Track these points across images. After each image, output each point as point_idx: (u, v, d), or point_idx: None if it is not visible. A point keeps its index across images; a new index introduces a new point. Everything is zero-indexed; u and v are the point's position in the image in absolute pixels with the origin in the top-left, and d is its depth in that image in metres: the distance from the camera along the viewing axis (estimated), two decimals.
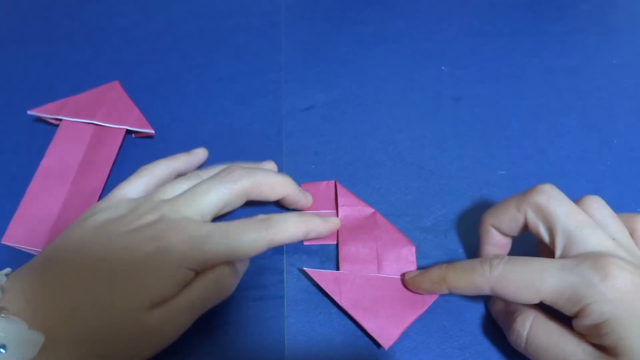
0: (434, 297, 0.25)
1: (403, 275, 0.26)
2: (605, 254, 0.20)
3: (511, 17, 0.41)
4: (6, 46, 0.40)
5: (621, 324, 0.19)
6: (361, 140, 0.33)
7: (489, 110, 0.35)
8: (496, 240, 0.25)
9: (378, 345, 0.25)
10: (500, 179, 0.31)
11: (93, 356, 0.20)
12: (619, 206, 0.30)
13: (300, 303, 0.26)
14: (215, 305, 0.24)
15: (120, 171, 0.32)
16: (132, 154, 0.33)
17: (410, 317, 0.25)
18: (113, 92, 0.35)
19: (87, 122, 0.33)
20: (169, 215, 0.23)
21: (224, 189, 0.24)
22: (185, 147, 0.33)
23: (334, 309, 0.26)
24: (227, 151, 0.33)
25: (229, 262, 0.24)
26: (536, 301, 0.21)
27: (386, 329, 0.24)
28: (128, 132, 0.33)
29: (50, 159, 0.31)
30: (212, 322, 0.25)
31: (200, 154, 0.30)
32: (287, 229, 0.24)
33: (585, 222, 0.21)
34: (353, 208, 0.29)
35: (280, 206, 0.29)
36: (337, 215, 0.28)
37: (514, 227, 0.24)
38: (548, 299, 0.20)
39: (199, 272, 0.23)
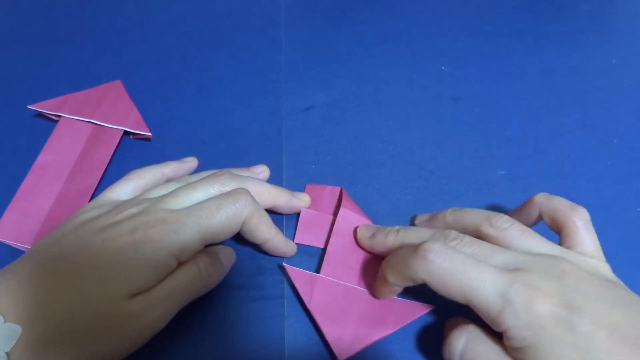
0: (404, 322, 0.25)
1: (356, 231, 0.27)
2: (530, 278, 0.20)
3: (511, 17, 0.41)
4: (6, 46, 0.40)
5: (541, 352, 0.19)
6: (361, 140, 0.33)
7: (489, 110, 0.35)
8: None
9: (333, 354, 0.24)
10: (500, 179, 0.31)
11: (74, 348, 0.20)
12: (619, 206, 0.30)
13: (301, 303, 0.26)
14: (200, 297, 0.24)
15: (118, 171, 0.32)
16: (132, 154, 0.33)
17: (374, 337, 0.24)
18: (114, 91, 0.35)
19: (85, 120, 0.33)
20: (150, 208, 0.23)
21: (211, 189, 0.25)
22: (185, 147, 0.33)
23: None
24: (227, 151, 0.33)
25: (212, 252, 0.25)
26: (463, 302, 0.20)
27: (346, 342, 0.24)
28: (126, 133, 0.33)
29: (46, 156, 0.31)
30: (212, 322, 0.25)
31: (190, 162, 0.30)
32: (261, 213, 0.24)
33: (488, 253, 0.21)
34: (353, 215, 0.28)
35: (274, 213, 0.29)
36: (336, 220, 0.28)
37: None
38: (477, 310, 0.20)
39: (181, 262, 0.23)
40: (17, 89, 0.37)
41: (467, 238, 0.22)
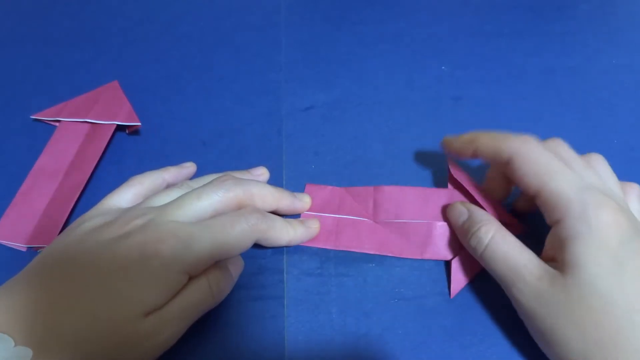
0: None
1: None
2: (608, 194, 0.22)
3: (511, 17, 0.41)
4: (6, 46, 0.40)
5: (583, 248, 0.20)
6: (361, 140, 0.33)
7: (489, 110, 0.35)
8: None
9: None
10: None
11: None
12: None
13: (300, 303, 0.26)
14: (211, 309, 0.24)
15: (118, 171, 0.32)
16: (131, 154, 0.33)
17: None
18: (110, 91, 0.35)
19: (81, 120, 0.33)
20: (157, 219, 0.22)
21: (216, 196, 0.24)
22: (185, 147, 0.33)
23: (334, 309, 0.26)
24: (227, 151, 0.33)
25: (222, 266, 0.24)
26: (531, 192, 0.23)
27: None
28: (121, 129, 0.33)
29: (45, 159, 0.32)
30: (212, 322, 0.25)
31: (189, 167, 0.30)
32: (276, 227, 0.25)
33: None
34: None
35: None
36: (335, 220, 0.28)
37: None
38: (543, 196, 0.22)
39: (192, 277, 0.23)
40: (17, 89, 0.37)
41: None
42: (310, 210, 0.29)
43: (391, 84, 0.37)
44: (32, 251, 0.29)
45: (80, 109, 0.33)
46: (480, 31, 0.40)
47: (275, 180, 0.31)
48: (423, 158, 0.32)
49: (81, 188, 0.30)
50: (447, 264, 0.27)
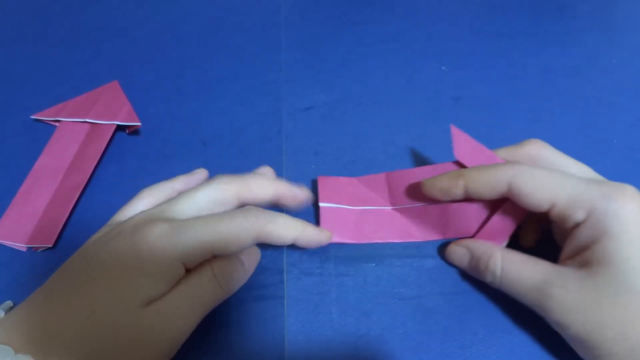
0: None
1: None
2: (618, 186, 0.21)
3: (511, 17, 0.41)
4: (6, 46, 0.40)
5: (616, 240, 0.20)
6: (361, 140, 0.33)
7: (489, 110, 0.35)
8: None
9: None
10: None
11: None
12: None
13: (300, 303, 0.26)
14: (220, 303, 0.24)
15: (119, 171, 0.32)
16: (132, 155, 0.33)
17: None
18: (110, 91, 0.35)
19: (81, 120, 0.33)
20: (153, 214, 0.23)
21: (212, 189, 0.24)
22: (185, 147, 0.33)
23: (334, 309, 0.26)
24: (227, 151, 0.33)
25: (232, 257, 0.24)
26: (545, 207, 0.22)
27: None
28: (121, 129, 0.33)
29: (45, 159, 0.32)
30: (212, 321, 0.25)
31: (200, 173, 0.29)
32: (277, 223, 0.24)
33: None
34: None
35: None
36: (355, 213, 0.28)
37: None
38: (560, 205, 0.21)
39: (190, 268, 0.22)
40: (17, 89, 0.37)
41: None
42: (327, 202, 0.28)
43: (391, 84, 0.37)
44: (32, 251, 0.29)
45: (80, 109, 0.34)
46: (480, 31, 0.40)
47: None
48: (423, 158, 0.32)
49: (81, 188, 0.30)
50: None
